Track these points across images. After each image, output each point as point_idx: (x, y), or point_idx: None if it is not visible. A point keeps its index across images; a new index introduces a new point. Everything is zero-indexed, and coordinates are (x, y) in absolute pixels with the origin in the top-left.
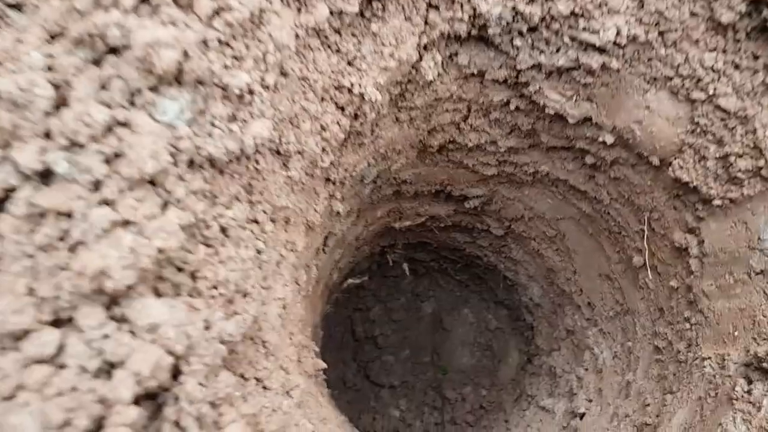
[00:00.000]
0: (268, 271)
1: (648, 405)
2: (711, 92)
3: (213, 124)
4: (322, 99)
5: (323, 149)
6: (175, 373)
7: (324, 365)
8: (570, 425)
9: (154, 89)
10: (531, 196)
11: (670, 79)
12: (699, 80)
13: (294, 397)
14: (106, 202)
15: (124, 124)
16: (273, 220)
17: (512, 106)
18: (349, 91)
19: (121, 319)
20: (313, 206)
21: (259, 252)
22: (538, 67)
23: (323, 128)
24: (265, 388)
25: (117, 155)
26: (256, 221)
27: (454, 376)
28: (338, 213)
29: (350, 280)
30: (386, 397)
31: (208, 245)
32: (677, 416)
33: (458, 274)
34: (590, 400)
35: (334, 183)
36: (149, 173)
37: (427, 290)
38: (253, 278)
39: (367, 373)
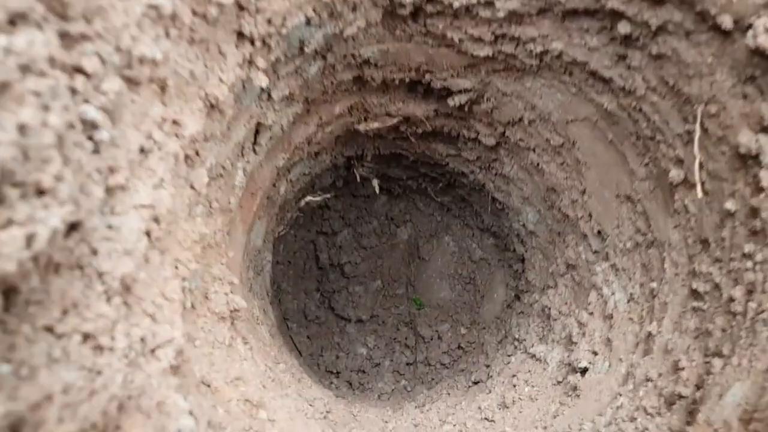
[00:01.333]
0: (118, 161)
1: (682, 369)
2: None
3: None
4: None
5: None
6: None
7: (242, 305)
8: (567, 381)
9: None
10: (534, 90)
11: None
12: None
13: (162, 359)
14: None
15: None
16: (129, 80)
17: None
18: None
19: None
20: (217, 72)
21: (92, 125)
22: None
23: None
24: (99, 349)
25: None
26: (78, 70)
27: (431, 311)
28: (268, 95)
29: (309, 198)
30: (353, 332)
31: None
32: (732, 392)
33: (439, 195)
34: (595, 353)
35: (251, 42)
36: None
37: (403, 213)
38: (58, 165)
39: (332, 306)
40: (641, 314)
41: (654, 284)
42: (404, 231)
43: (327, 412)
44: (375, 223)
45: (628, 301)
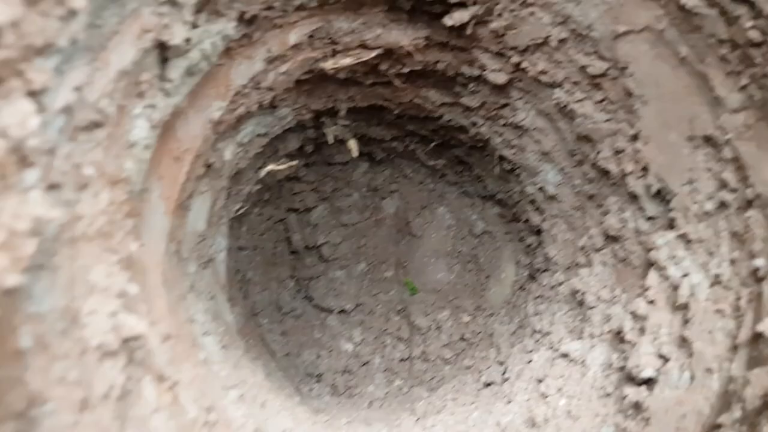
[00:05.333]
0: None
1: None
2: None
3: None
4: None
5: None
6: None
7: (138, 330)
8: (623, 395)
9: None
10: None
11: None
12: None
13: None
14: None
15: None
16: None
17: None
18: None
19: None
20: None
21: None
22: None
23: None
24: None
25: None
26: None
27: (426, 296)
28: None
29: (271, 166)
30: (335, 325)
31: None
32: None
33: (431, 158)
34: (664, 357)
35: None
36: None
37: (388, 183)
38: None
39: (310, 295)
40: (736, 305)
41: (761, 261)
42: (391, 203)
43: None
44: (356, 196)
45: (712, 285)
